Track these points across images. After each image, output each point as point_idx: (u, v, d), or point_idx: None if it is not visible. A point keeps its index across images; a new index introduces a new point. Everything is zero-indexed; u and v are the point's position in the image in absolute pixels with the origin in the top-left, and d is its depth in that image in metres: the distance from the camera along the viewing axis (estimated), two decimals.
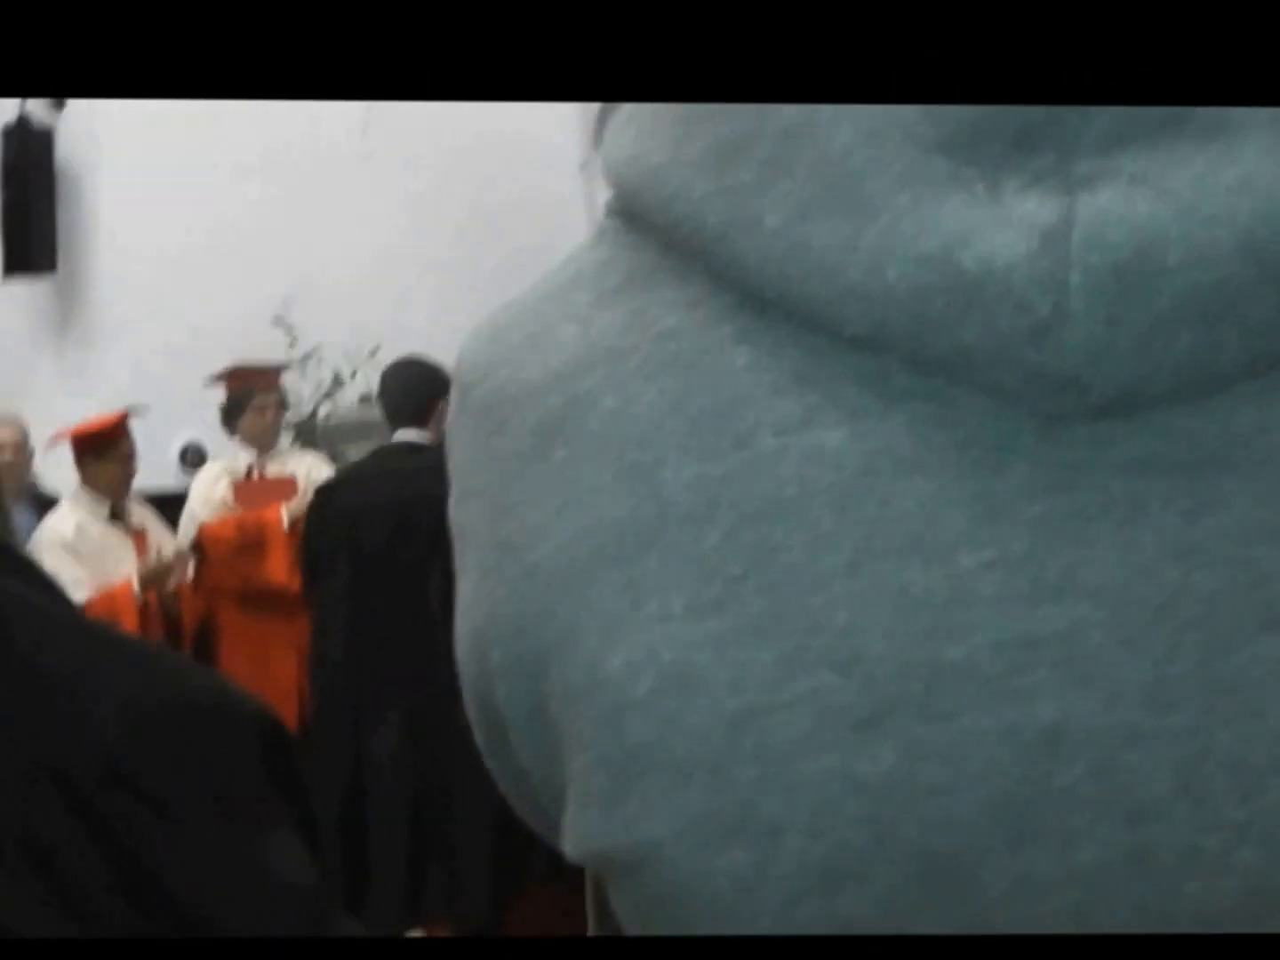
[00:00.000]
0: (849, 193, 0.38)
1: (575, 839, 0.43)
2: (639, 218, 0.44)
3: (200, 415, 4.89)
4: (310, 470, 4.48)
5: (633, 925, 0.44)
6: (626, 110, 0.45)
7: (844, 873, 0.38)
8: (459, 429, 0.48)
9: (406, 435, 3.51)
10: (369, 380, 5.04)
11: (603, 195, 0.49)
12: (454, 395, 0.49)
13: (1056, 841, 0.37)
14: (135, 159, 5.77)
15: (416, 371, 3.59)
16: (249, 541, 4.19)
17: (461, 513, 0.47)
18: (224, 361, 4.56)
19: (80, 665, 0.57)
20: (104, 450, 4.18)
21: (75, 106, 5.79)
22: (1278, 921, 0.37)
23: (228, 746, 0.60)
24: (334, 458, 4.74)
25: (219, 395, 4.56)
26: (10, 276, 5.81)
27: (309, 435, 5.34)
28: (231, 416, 4.51)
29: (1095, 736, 0.37)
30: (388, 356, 4.31)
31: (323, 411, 5.60)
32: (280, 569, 4.06)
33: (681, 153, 0.42)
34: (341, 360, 5.65)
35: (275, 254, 5.74)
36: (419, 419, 3.50)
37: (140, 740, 0.56)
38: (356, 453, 4.34)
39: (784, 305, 0.40)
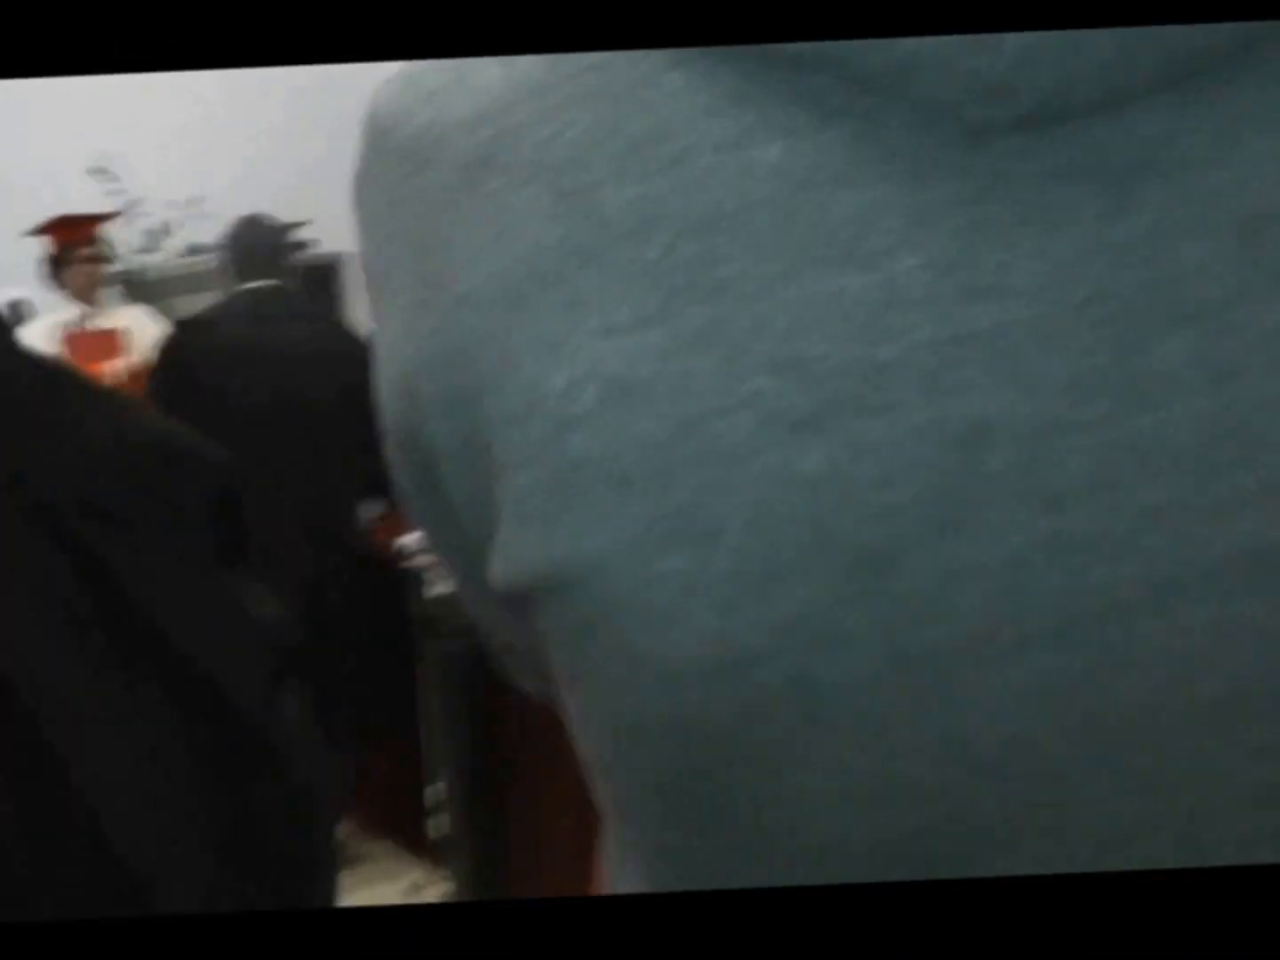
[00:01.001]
0: None
1: (511, 561, 0.44)
2: None
3: (25, 271, 4.79)
4: (138, 323, 4.44)
5: (564, 650, 0.44)
6: None
7: (780, 569, 0.39)
8: (374, 175, 0.47)
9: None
10: (195, 231, 4.97)
11: None
12: (366, 143, 0.48)
13: (981, 529, 0.39)
14: None
15: (267, 224, 3.57)
16: None
17: (379, 258, 0.47)
18: (44, 215, 4.46)
19: (60, 409, 0.59)
20: None
21: None
22: (1179, 611, 0.38)
23: (195, 485, 0.61)
24: (162, 310, 4.68)
25: (41, 249, 4.47)
26: None
27: (136, 288, 5.25)
28: (55, 270, 4.43)
29: (1019, 428, 0.38)
30: (213, 208, 4.25)
31: (149, 263, 5.50)
32: None
33: None
34: (166, 210, 5.53)
35: (93, 103, 5.56)
36: (271, 270, 3.50)
37: (115, 475, 0.58)
38: (184, 305, 4.29)
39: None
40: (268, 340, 3.19)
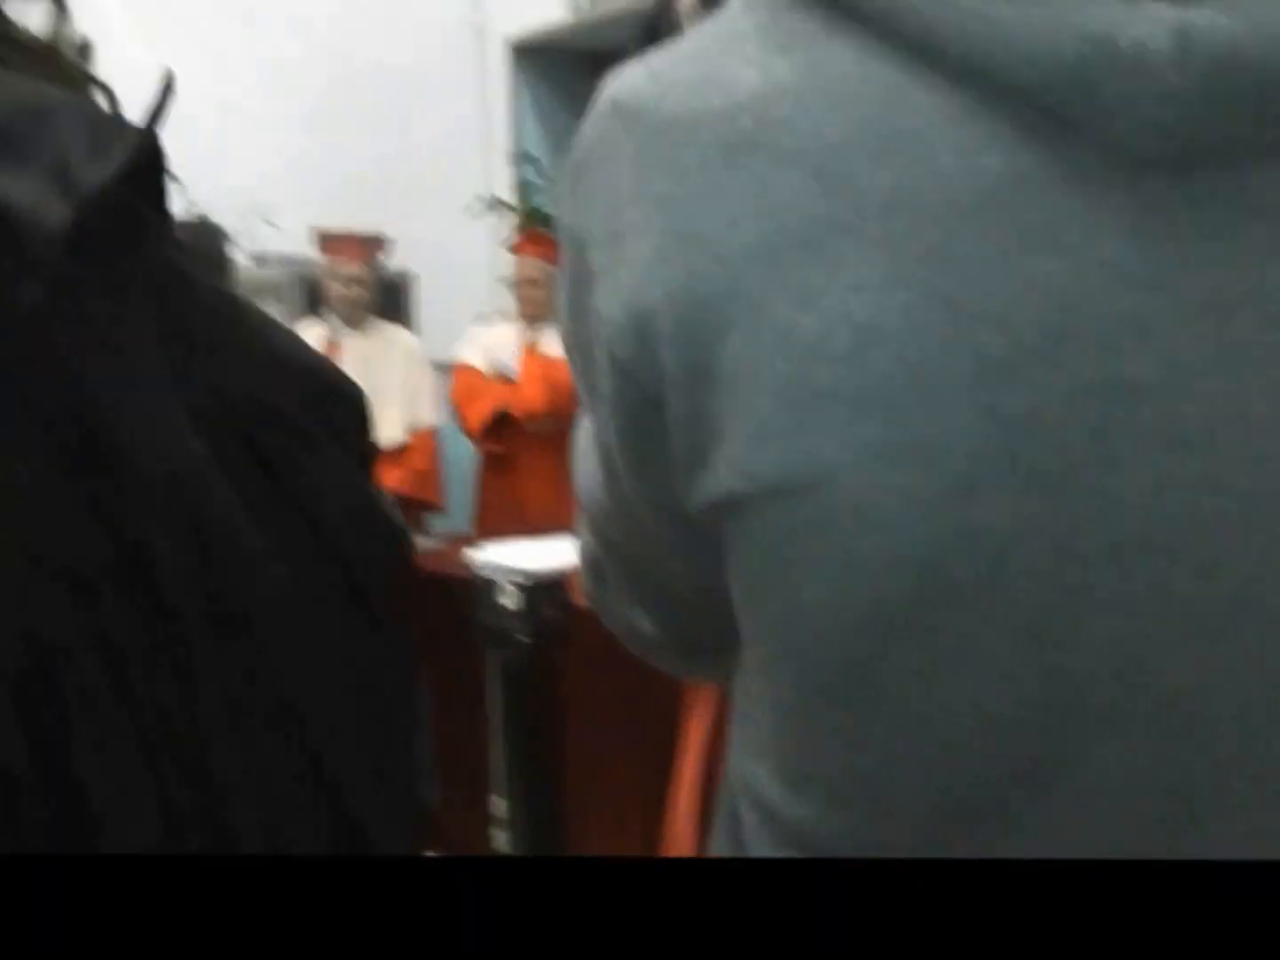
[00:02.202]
0: None
1: (737, 471, 0.52)
2: None
3: None
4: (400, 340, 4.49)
5: (771, 551, 0.53)
6: None
7: (980, 488, 0.49)
8: (621, 148, 0.55)
9: None
10: (264, 239, 4.95)
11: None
12: (613, 123, 0.56)
13: (1130, 465, 0.49)
14: None
15: (211, 231, 3.68)
16: None
17: (618, 217, 0.54)
18: None
19: (250, 331, 0.66)
20: None
21: None
22: (1269, 534, 0.50)
23: (352, 409, 0.70)
24: None
25: None
26: None
27: None
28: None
29: (1162, 389, 0.49)
30: (283, 221, 4.17)
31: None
32: None
33: None
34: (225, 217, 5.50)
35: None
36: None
37: (289, 388, 0.65)
38: None
39: (961, 61, 0.50)
40: None
